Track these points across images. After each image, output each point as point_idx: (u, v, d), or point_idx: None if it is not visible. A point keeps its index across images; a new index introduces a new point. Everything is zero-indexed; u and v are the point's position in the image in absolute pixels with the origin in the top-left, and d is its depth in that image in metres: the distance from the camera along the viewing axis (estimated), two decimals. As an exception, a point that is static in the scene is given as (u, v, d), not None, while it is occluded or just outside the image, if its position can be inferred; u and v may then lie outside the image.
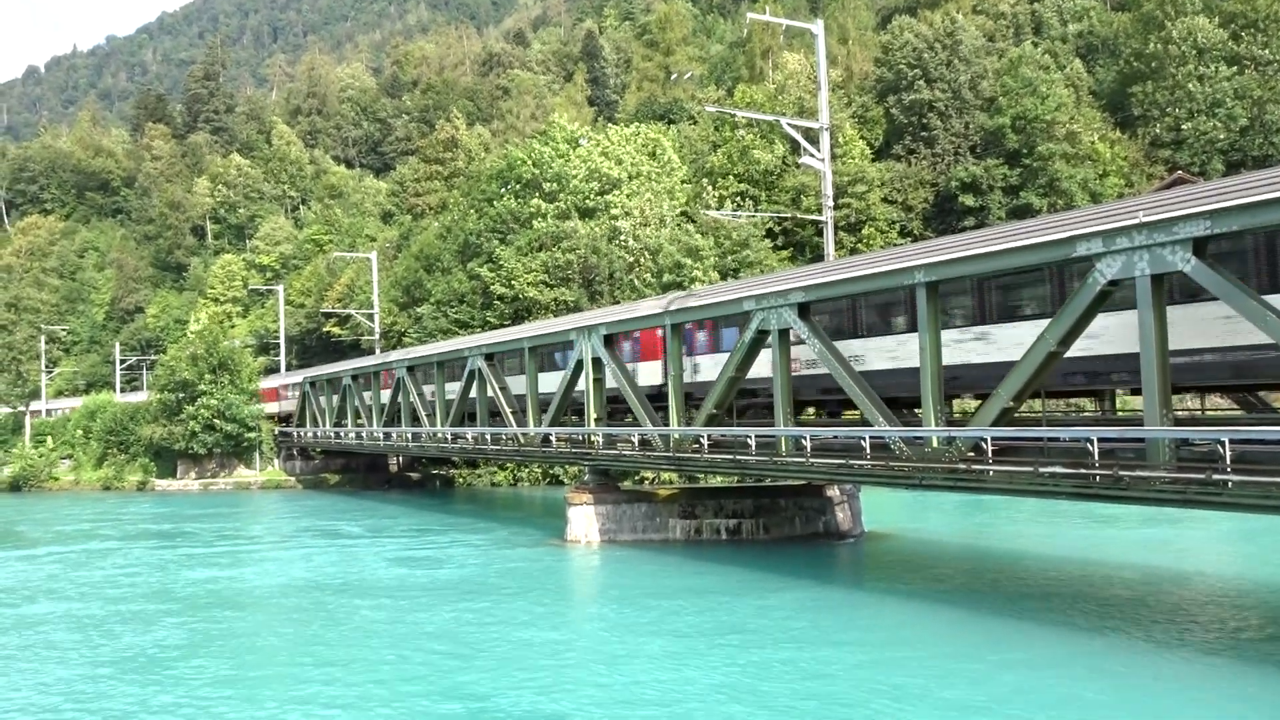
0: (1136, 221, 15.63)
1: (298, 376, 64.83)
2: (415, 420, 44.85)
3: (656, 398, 29.03)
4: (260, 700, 15.06)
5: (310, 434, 59.60)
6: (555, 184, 59.07)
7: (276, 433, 64.14)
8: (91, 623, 21.36)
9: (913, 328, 20.51)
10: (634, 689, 15.06)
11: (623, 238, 55.60)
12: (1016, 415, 18.68)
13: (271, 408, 65.01)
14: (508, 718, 13.92)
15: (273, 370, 75.73)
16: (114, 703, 15.23)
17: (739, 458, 24.69)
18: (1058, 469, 17.11)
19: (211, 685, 15.98)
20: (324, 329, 78.20)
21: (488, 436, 37.78)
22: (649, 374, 30.75)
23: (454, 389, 40.83)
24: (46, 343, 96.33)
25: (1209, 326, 15.80)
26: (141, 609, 22.77)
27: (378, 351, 62.51)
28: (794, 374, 23.85)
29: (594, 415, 30.81)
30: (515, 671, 16.09)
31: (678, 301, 28.13)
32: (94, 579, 27.92)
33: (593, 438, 30.67)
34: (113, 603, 23.71)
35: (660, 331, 29.12)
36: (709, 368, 27.84)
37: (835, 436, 23.03)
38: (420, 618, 20.63)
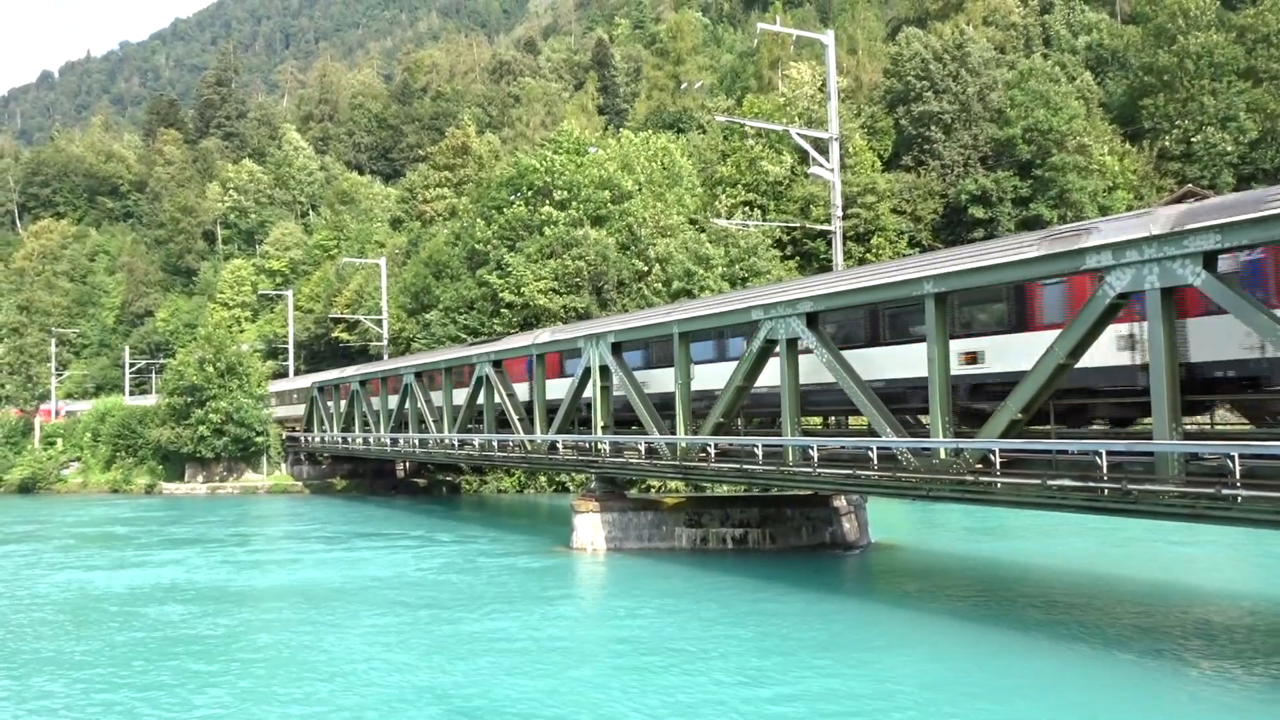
0: (1146, 234, 15.61)
1: (305, 383, 64.96)
2: (422, 426, 44.95)
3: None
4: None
5: (318, 439, 59.70)
6: (567, 192, 59.22)
7: (284, 437, 64.27)
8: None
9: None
10: (633, 695, 15.03)
11: (641, 244, 55.58)
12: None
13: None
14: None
15: (280, 375, 75.94)
16: None
17: (746, 467, 24.64)
18: (1066, 482, 17.06)
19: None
20: (332, 334, 78.40)
21: (495, 443, 37.82)
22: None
23: (461, 395, 40.97)
24: (57, 346, 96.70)
25: None
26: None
27: (386, 357, 62.61)
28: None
29: (601, 423, 30.82)
30: (514, 678, 16.07)
31: (684, 310, 28.13)
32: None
33: (599, 445, 30.68)
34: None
35: None
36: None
37: (842, 447, 22.99)
38: (420, 622, 20.63)
